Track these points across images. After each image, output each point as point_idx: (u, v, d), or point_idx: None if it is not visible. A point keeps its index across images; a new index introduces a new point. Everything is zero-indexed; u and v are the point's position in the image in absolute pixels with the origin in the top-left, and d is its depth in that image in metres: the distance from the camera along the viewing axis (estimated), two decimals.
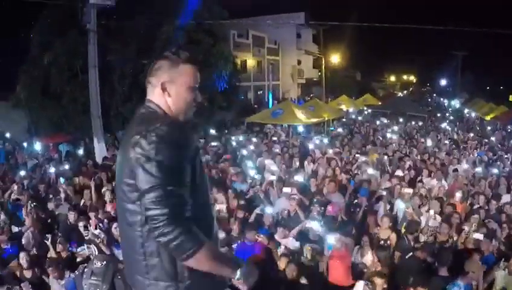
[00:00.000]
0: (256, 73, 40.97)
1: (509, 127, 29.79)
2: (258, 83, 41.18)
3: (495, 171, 14.67)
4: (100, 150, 17.89)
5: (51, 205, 10.96)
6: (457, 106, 48.25)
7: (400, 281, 7.18)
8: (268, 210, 9.42)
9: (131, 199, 2.48)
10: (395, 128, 25.27)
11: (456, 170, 13.90)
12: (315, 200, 9.93)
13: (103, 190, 11.03)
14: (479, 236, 8.31)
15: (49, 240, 8.40)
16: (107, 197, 10.58)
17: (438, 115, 38.33)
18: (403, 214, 10.04)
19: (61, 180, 12.33)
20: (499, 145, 21.56)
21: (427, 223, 9.37)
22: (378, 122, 29.34)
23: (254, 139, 19.74)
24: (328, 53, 49.24)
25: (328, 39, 49.49)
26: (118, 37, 19.77)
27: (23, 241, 8.99)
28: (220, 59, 22.86)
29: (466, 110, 41.24)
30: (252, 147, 17.40)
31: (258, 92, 41.97)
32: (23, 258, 7.66)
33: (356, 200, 10.75)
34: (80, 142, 20.69)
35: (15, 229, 9.98)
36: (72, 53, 19.60)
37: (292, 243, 8.25)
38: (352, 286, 6.88)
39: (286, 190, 10.40)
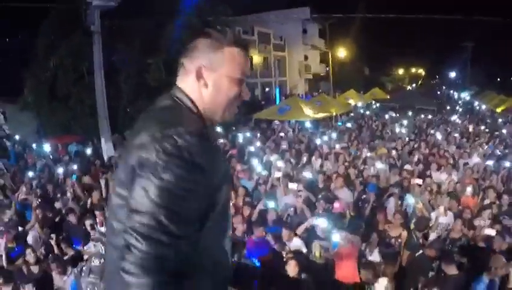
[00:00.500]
0: (263, 69, 40.90)
1: None
2: (264, 80, 41.11)
3: (507, 164, 14.44)
4: (108, 150, 17.95)
5: (58, 205, 11.02)
6: (467, 98, 47.90)
7: (409, 280, 7.09)
8: (271, 205, 9.33)
9: (118, 217, 1.88)
10: (404, 122, 25.06)
11: (466, 164, 13.74)
12: (320, 196, 9.83)
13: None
14: (490, 232, 8.15)
15: (54, 239, 8.50)
16: None
17: (448, 107, 38.06)
18: (412, 210, 9.93)
19: (73, 177, 12.35)
20: (511, 138, 21.25)
21: (437, 220, 9.21)
22: (386, 116, 29.15)
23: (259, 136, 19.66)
24: (335, 47, 49.07)
25: (334, 33, 49.37)
26: (123, 38, 19.77)
27: (30, 239, 9.08)
28: None
29: (476, 103, 40.88)
30: (258, 144, 17.32)
31: (265, 89, 41.86)
32: (29, 253, 7.77)
33: (364, 196, 10.63)
34: (88, 143, 20.73)
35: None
36: (77, 55, 19.70)
37: (295, 244, 8.16)
38: (360, 283, 6.81)
39: (292, 186, 10.30)
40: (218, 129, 21.88)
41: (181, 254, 1.71)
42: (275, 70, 42.56)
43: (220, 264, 2.04)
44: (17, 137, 22.12)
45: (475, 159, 14.62)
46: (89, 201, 10.88)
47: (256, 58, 39.41)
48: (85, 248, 8.34)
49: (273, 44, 42.68)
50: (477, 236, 8.48)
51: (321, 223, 8.15)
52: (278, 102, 33.81)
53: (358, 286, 7.04)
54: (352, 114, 30.03)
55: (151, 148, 1.71)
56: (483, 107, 37.65)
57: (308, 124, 22.87)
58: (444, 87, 71.12)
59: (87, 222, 9.05)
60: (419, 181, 10.99)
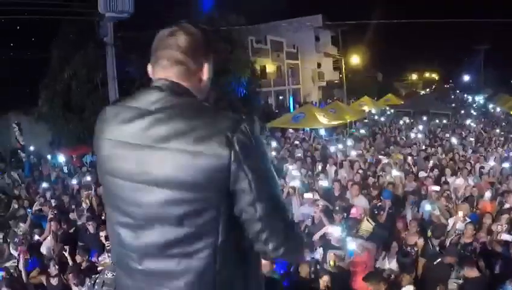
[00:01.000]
0: (276, 78, 40.87)
1: None
2: (278, 88, 41.10)
3: None
4: None
5: (73, 216, 11.13)
6: (482, 101, 47.56)
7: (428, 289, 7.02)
8: None
9: (201, 220, 1.82)
10: (420, 127, 24.90)
11: (482, 168, 13.59)
12: (337, 208, 9.73)
13: None
14: (507, 237, 8.04)
15: (67, 251, 8.56)
16: None
17: (462, 111, 37.80)
18: (429, 217, 9.82)
19: (92, 191, 12.31)
20: None
21: (454, 226, 9.08)
22: (401, 122, 28.98)
23: (274, 144, 19.59)
24: (348, 54, 49.02)
25: (347, 40, 49.31)
26: (136, 49, 19.92)
27: (44, 250, 9.19)
28: (238, 65, 22.91)
29: (491, 106, 40.59)
30: (273, 153, 17.27)
31: (279, 97, 41.86)
32: (52, 266, 7.89)
33: (380, 203, 10.54)
34: None
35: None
36: (91, 66, 19.92)
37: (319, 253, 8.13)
38: None
39: (307, 195, 10.23)
40: None
41: None
42: (288, 79, 42.53)
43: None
44: (32, 148, 22.33)
45: (491, 163, 14.48)
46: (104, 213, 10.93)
47: (270, 67, 39.39)
48: (99, 259, 8.35)
49: (286, 52, 42.65)
50: (494, 241, 8.37)
51: (335, 231, 8.08)
52: (292, 110, 33.76)
53: None
54: (366, 120, 29.86)
55: (240, 138, 1.77)
56: (498, 110, 37.39)
57: (322, 132, 22.80)
58: (458, 91, 70.69)
59: (102, 233, 9.05)
60: (437, 188, 10.88)
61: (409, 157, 15.55)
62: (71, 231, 10.28)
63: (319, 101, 43.18)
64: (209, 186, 1.77)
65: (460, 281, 7.07)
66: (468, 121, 29.11)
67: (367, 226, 8.86)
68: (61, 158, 18.72)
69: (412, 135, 22.16)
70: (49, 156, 20.30)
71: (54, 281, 7.81)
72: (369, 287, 6.76)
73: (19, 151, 22.69)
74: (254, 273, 2.06)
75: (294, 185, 11.22)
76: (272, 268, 6.61)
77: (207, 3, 23.57)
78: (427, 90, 73.00)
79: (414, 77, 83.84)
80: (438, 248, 8.29)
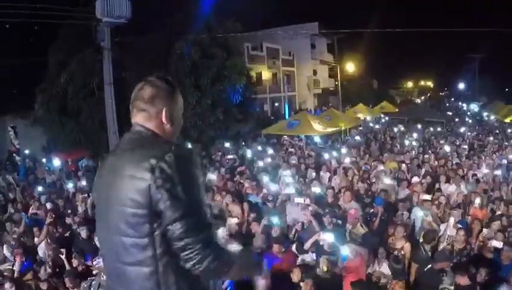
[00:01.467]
0: (272, 85, 40.98)
1: None
2: (274, 95, 41.19)
3: None
4: None
5: (68, 220, 11.14)
6: (476, 109, 47.80)
7: None
8: (275, 220, 9.34)
9: (141, 233, 2.26)
10: (414, 135, 25.03)
11: (475, 175, 13.70)
12: (326, 210, 9.82)
13: None
14: (497, 244, 8.13)
15: (64, 254, 8.62)
16: None
17: (457, 119, 38.00)
18: (421, 223, 9.91)
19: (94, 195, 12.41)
20: None
21: (445, 232, 9.15)
22: (395, 130, 29.12)
23: (270, 151, 19.67)
24: (344, 62, 49.26)
25: (342, 48, 49.54)
26: (132, 54, 20.01)
27: (40, 253, 9.27)
28: (234, 72, 23.01)
29: (485, 114, 40.82)
30: (269, 159, 17.36)
31: (275, 104, 41.97)
32: (44, 270, 8.05)
33: (372, 210, 10.62)
34: (99, 158, 20.89)
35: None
36: (88, 71, 19.97)
37: (311, 257, 8.21)
38: None
39: (298, 200, 10.31)
40: (227, 145, 22.03)
41: (211, 222, 2.36)
42: (284, 86, 42.59)
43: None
44: (27, 152, 22.36)
45: (484, 170, 14.60)
46: None
47: (265, 74, 39.51)
48: (94, 263, 8.40)
49: (282, 59, 42.75)
50: (485, 247, 8.46)
51: (328, 237, 8.16)
52: (287, 117, 33.83)
53: None
54: (361, 128, 29.98)
55: (161, 165, 2.22)
56: (492, 117, 37.61)
57: (317, 139, 22.89)
58: (452, 99, 71.01)
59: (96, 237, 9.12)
60: (428, 197, 10.95)
61: (403, 165, 15.65)
62: (67, 234, 10.31)
63: (314, 108, 43.28)
64: (142, 204, 2.22)
65: (452, 288, 7.16)
66: (462, 129, 29.26)
67: (359, 230, 8.97)
68: (56, 162, 18.76)
69: (406, 143, 22.25)
70: (44, 160, 20.35)
71: (43, 286, 7.85)
72: None
73: (14, 154, 22.73)
74: (197, 281, 2.38)
75: (288, 192, 11.28)
76: None
77: (204, 10, 23.66)
78: (422, 98, 73.41)
79: (409, 84, 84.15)
80: (430, 253, 8.36)
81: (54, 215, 10.56)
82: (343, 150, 19.15)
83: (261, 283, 3.06)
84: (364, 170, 15.16)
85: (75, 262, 8.38)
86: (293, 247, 8.71)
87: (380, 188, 12.25)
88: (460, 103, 60.27)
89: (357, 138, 25.01)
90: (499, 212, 10.50)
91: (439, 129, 29.88)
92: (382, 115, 36.67)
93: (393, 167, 15.37)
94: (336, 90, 48.18)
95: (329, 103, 48.06)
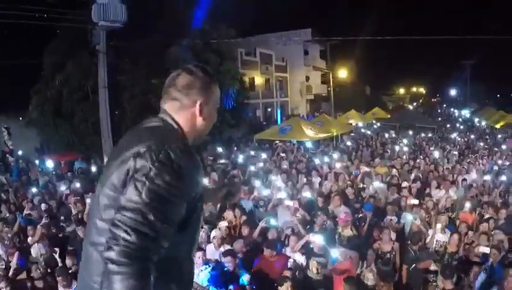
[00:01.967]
0: (265, 90, 41.17)
1: None
2: (266, 100, 41.36)
3: (503, 179, 14.66)
4: None
5: (62, 221, 11.25)
6: (467, 115, 48.17)
7: None
8: (273, 223, 9.47)
9: (104, 216, 2.13)
10: (404, 141, 25.22)
11: (464, 180, 13.87)
12: (319, 213, 9.97)
13: None
14: (484, 250, 8.29)
15: (57, 253, 8.72)
16: None
17: (448, 125, 38.28)
18: (410, 227, 10.06)
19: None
20: (510, 153, 21.42)
21: (432, 238, 9.28)
22: (387, 136, 29.31)
23: (264, 156, 19.77)
24: (336, 68, 49.43)
25: (335, 54, 49.75)
26: (128, 58, 20.11)
27: (33, 254, 9.29)
28: (227, 77, 23.15)
29: (476, 120, 41.17)
30: (261, 164, 17.46)
31: (267, 109, 42.12)
32: (35, 270, 8.06)
33: (361, 215, 10.77)
34: (91, 160, 20.95)
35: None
36: (83, 74, 20.07)
37: (300, 258, 8.32)
38: None
39: (288, 203, 10.43)
40: (220, 149, 22.13)
41: (162, 249, 2.04)
42: (276, 91, 42.79)
43: (189, 273, 2.47)
44: (20, 153, 22.40)
45: (473, 175, 14.78)
46: None
47: (258, 79, 39.70)
48: None
49: (275, 65, 42.96)
50: (472, 251, 8.63)
51: (317, 239, 8.28)
52: (279, 122, 33.96)
53: None
54: (353, 134, 30.15)
55: (147, 157, 2.06)
56: (483, 123, 37.95)
57: (309, 144, 23.03)
58: (444, 105, 71.40)
59: None
60: (415, 201, 11.09)
61: (393, 170, 15.81)
62: (60, 235, 10.40)
63: (306, 114, 43.44)
64: (119, 188, 2.09)
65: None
66: (453, 135, 29.51)
67: (349, 233, 9.11)
68: (50, 163, 18.81)
69: (397, 148, 22.42)
70: (37, 161, 20.39)
71: (39, 283, 7.94)
72: None
73: (7, 155, 22.73)
74: (175, 271, 2.29)
75: (280, 196, 11.39)
76: None
77: (198, 15, 23.82)
78: (415, 104, 73.65)
79: (402, 91, 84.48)
80: (417, 253, 8.51)
81: (48, 216, 10.66)
82: (335, 156, 19.29)
83: None
84: (355, 175, 15.33)
85: (68, 262, 8.44)
86: (287, 250, 8.78)
87: (369, 194, 12.40)
88: (452, 109, 60.65)
89: (348, 143, 25.17)
90: (487, 216, 10.68)
91: (430, 135, 30.11)
92: (374, 121, 36.89)
93: (384, 172, 15.53)
94: (328, 96, 48.34)
95: (322, 108, 48.23)
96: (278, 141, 23.52)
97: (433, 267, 8.02)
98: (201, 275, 7.39)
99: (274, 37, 39.26)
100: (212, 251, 8.59)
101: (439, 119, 45.32)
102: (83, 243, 2.34)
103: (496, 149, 22.43)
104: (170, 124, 2.31)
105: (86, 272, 2.24)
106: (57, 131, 21.46)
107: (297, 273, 7.67)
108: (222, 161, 19.20)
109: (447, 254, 8.69)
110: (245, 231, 9.57)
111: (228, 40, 24.40)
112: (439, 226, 9.36)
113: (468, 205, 11.09)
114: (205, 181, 13.72)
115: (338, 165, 16.34)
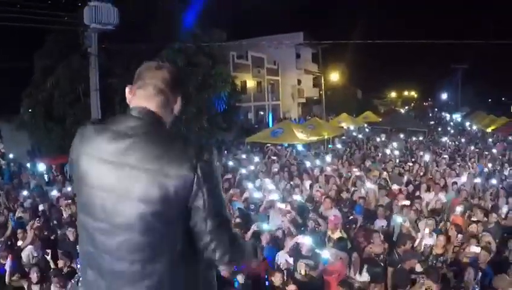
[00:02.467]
0: (257, 93, 41.21)
1: (510, 137, 29.72)
2: (258, 103, 41.39)
3: (493, 182, 14.77)
4: None
5: (53, 224, 11.30)
6: (459, 119, 48.44)
7: None
8: (265, 227, 9.51)
9: (163, 230, 2.19)
10: (394, 144, 25.32)
11: (455, 183, 13.96)
12: (310, 215, 10.01)
13: None
14: (475, 249, 8.35)
15: (49, 255, 8.78)
16: None
17: (439, 129, 38.47)
18: (400, 229, 10.12)
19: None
20: (500, 157, 21.59)
21: (421, 242, 9.31)
22: (378, 139, 29.40)
23: (256, 159, 19.78)
24: (328, 71, 49.51)
25: (327, 58, 49.81)
26: (119, 61, 20.10)
27: (23, 257, 9.29)
28: (219, 80, 23.17)
29: (467, 123, 41.41)
30: (252, 167, 17.47)
31: (259, 113, 42.15)
32: (33, 273, 8.03)
33: (351, 217, 10.82)
34: None
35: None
36: (74, 77, 20.02)
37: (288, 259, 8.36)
38: None
39: (280, 205, 10.48)
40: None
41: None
42: (268, 95, 42.80)
43: None
44: (11, 156, 22.31)
45: (463, 179, 14.88)
46: None
47: (250, 83, 39.76)
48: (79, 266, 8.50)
49: (266, 68, 43.06)
50: (462, 253, 8.69)
51: (306, 241, 8.32)
52: (271, 125, 33.98)
53: None
54: (344, 137, 30.23)
55: (201, 162, 2.18)
56: (474, 127, 38.18)
57: (300, 147, 23.07)
58: (436, 109, 71.72)
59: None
60: (407, 202, 11.16)
61: (384, 173, 15.88)
62: (52, 237, 10.40)
63: (298, 117, 43.49)
64: (174, 202, 2.15)
65: None
66: (444, 139, 29.66)
67: (338, 235, 9.16)
68: (41, 167, 18.76)
69: (388, 152, 22.50)
70: (28, 165, 20.33)
71: (36, 288, 7.97)
72: None
73: None
74: (207, 277, 2.45)
75: (272, 198, 11.42)
76: None
77: (189, 17, 23.86)
78: (406, 108, 73.90)
79: (393, 94, 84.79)
80: (401, 255, 8.58)
81: (40, 219, 10.67)
82: (326, 159, 19.35)
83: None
84: (346, 178, 15.39)
85: (61, 263, 8.47)
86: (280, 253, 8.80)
87: (359, 196, 12.46)
88: (443, 113, 60.94)
89: (339, 146, 25.25)
90: (474, 219, 10.74)
91: (421, 138, 30.25)
92: (365, 125, 37.02)
93: (375, 175, 15.60)
94: (320, 100, 48.37)
95: (313, 112, 48.32)
96: (269, 144, 23.55)
97: (418, 268, 8.07)
98: None
99: (266, 41, 39.27)
100: None
101: (432, 122, 45.56)
102: (107, 260, 2.26)
103: (487, 153, 22.56)
104: (160, 122, 2.31)
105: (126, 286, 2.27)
106: (48, 134, 21.38)
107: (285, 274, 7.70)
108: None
109: (432, 256, 8.74)
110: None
111: (220, 43, 24.41)
112: (427, 230, 9.43)
113: (459, 208, 11.16)
114: None
115: (329, 168, 16.40)
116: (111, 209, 2.20)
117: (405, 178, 15.38)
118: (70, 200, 12.34)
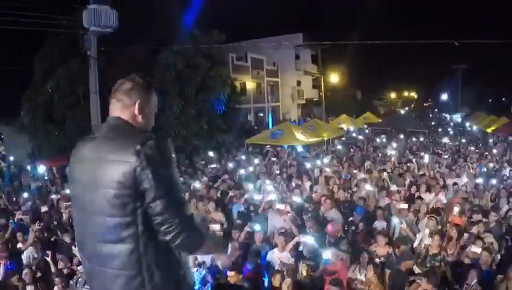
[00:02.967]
0: (256, 95, 41.16)
1: (510, 138, 29.67)
2: (258, 105, 41.35)
3: (493, 182, 14.75)
4: None
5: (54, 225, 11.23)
6: (459, 120, 48.41)
7: None
8: (257, 227, 9.50)
9: (125, 212, 2.53)
10: (394, 145, 25.28)
11: (455, 184, 13.94)
12: (310, 215, 10.01)
13: None
14: (476, 249, 8.32)
15: (49, 257, 8.82)
16: None
17: (439, 130, 38.44)
18: (399, 231, 10.11)
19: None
20: (500, 157, 21.55)
21: (421, 242, 9.30)
22: (378, 140, 29.37)
23: (256, 161, 19.77)
24: (328, 73, 49.54)
25: (326, 59, 49.87)
26: (118, 63, 20.11)
27: (24, 258, 9.32)
28: (218, 82, 23.18)
29: (467, 124, 41.37)
30: (251, 169, 17.47)
31: (259, 114, 42.13)
32: (26, 274, 8.15)
33: (351, 218, 10.81)
34: None
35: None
36: (74, 80, 20.04)
37: (288, 258, 8.34)
38: None
39: (279, 206, 10.48)
40: (211, 154, 22.13)
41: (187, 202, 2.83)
42: (267, 96, 42.74)
43: None
44: (12, 158, 22.34)
45: (464, 179, 14.85)
46: None
47: (250, 84, 39.72)
48: (79, 268, 8.49)
49: (266, 70, 42.98)
50: (462, 254, 8.67)
51: (308, 239, 8.30)
52: (270, 127, 33.94)
53: None
54: (344, 138, 30.21)
55: (147, 150, 2.52)
56: (474, 128, 38.15)
57: (300, 149, 23.05)
58: (436, 110, 71.70)
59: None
60: (405, 206, 11.13)
61: (384, 173, 15.86)
62: (52, 239, 10.41)
63: (298, 119, 43.49)
64: (127, 185, 2.50)
65: None
66: (444, 139, 29.63)
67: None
68: (41, 169, 18.78)
69: (388, 152, 22.47)
70: (29, 167, 20.35)
71: (30, 288, 8.03)
72: None
73: None
74: (175, 258, 2.72)
75: (271, 199, 11.40)
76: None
77: (189, 20, 23.90)
78: (406, 108, 73.86)
79: (393, 95, 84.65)
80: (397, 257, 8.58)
81: (40, 222, 10.67)
82: (326, 160, 19.33)
83: (224, 260, 3.54)
84: (345, 179, 15.38)
85: (61, 264, 8.54)
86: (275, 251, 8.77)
87: (359, 196, 12.47)
88: (443, 114, 60.92)
89: (339, 147, 25.23)
90: (475, 219, 10.71)
91: (421, 139, 30.23)
92: (365, 126, 36.99)
93: (375, 177, 15.59)
94: (319, 101, 48.36)
95: (313, 113, 48.28)
96: (268, 146, 23.53)
97: (416, 269, 8.05)
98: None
99: (265, 42, 39.26)
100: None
101: (433, 123, 45.56)
102: (89, 244, 2.73)
103: (487, 153, 22.53)
104: (124, 123, 2.78)
105: (111, 270, 2.63)
106: (48, 136, 21.41)
107: (286, 273, 7.69)
108: (213, 166, 19.22)
109: (429, 256, 8.72)
110: (235, 235, 9.60)
111: (219, 45, 24.43)
112: (427, 231, 9.40)
113: (457, 208, 11.13)
114: (198, 185, 13.89)
115: (328, 169, 16.39)
116: (86, 197, 2.67)
117: (407, 180, 15.32)
118: (70, 202, 12.36)
